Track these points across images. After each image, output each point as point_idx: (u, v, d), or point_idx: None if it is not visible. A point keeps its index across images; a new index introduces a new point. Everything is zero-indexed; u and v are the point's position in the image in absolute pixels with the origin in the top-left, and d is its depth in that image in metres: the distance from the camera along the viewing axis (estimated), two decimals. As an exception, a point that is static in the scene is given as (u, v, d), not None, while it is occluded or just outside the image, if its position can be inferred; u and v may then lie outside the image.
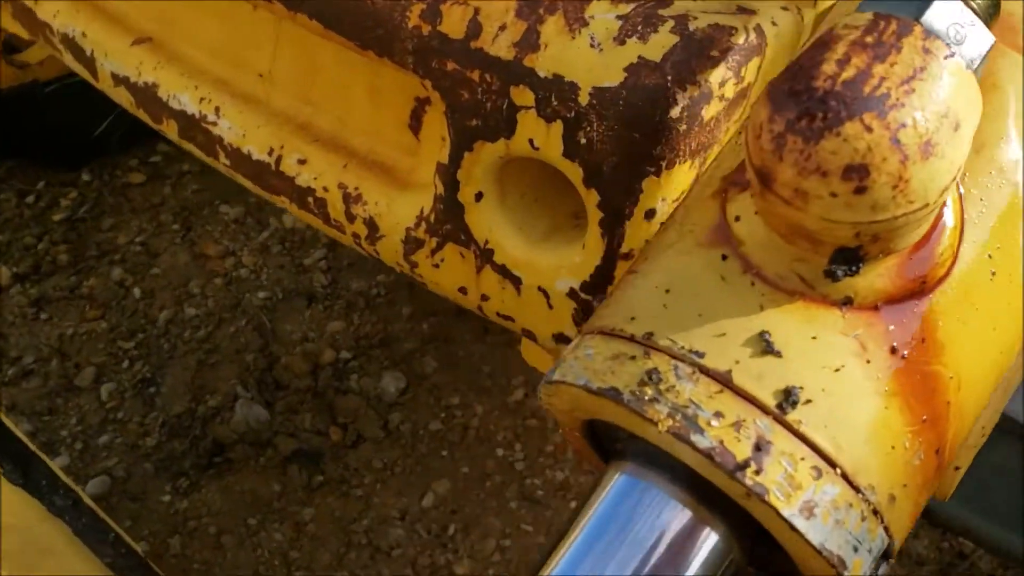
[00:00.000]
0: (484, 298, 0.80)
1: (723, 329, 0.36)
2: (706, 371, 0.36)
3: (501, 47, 0.67)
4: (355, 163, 0.83)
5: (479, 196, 0.75)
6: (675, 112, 0.63)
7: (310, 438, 1.80)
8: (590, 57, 0.65)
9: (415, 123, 0.80)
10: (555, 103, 0.66)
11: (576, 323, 0.76)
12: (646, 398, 0.36)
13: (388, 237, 0.82)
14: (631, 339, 0.38)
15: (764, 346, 0.36)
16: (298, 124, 0.86)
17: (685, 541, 0.37)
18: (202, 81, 0.90)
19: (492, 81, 0.68)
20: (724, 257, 0.39)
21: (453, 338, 1.97)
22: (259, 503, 1.72)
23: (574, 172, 0.68)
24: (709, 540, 0.38)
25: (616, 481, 0.40)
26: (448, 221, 0.77)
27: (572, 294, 0.74)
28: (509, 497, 1.74)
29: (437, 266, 0.81)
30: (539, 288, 0.76)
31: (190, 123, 0.91)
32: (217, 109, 0.89)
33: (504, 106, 0.68)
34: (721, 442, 0.35)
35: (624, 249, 0.70)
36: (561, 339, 0.78)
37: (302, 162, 0.85)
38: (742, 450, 0.36)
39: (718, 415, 0.36)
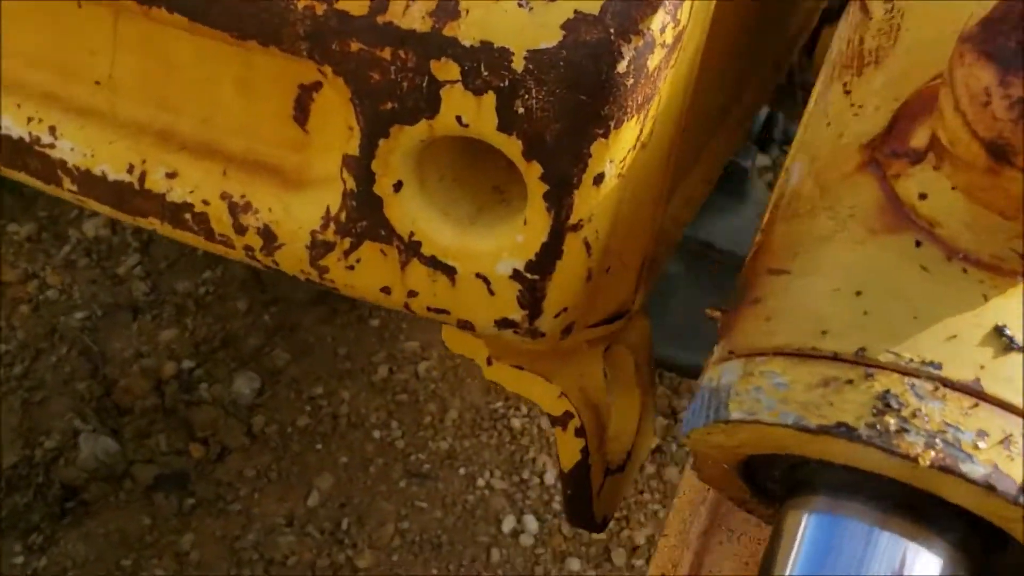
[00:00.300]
0: (412, 294, 0.73)
1: (951, 330, 0.31)
2: (950, 384, 0.31)
3: (415, 19, 0.59)
4: (235, 168, 0.74)
5: (398, 186, 0.67)
6: (622, 67, 0.58)
7: (170, 460, 1.67)
8: (520, 18, 0.58)
9: (301, 114, 0.71)
10: (485, 73, 0.60)
11: (522, 306, 0.70)
12: (891, 430, 0.31)
13: (289, 245, 0.74)
14: (835, 359, 0.33)
15: (1006, 342, 0.32)
16: (157, 133, 0.75)
17: (911, 572, 0.33)
18: (24, 98, 0.77)
19: (408, 58, 0.60)
20: (918, 244, 0.34)
21: (300, 325, 1.86)
22: (129, 541, 1.57)
23: (511, 146, 0.62)
24: (932, 563, 0.34)
25: (807, 523, 0.35)
26: (363, 218, 0.70)
27: (517, 276, 0.68)
28: (396, 478, 1.68)
29: (352, 268, 0.73)
30: (477, 275, 0.69)
31: (18, 149, 0.78)
32: (52, 129, 0.76)
33: (424, 84, 0.61)
34: (995, 466, 0.31)
35: (573, 220, 0.65)
36: (504, 324, 0.72)
37: (172, 175, 0.74)
38: (1017, 470, 0.31)
39: (982, 434, 0.31)
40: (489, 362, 0.83)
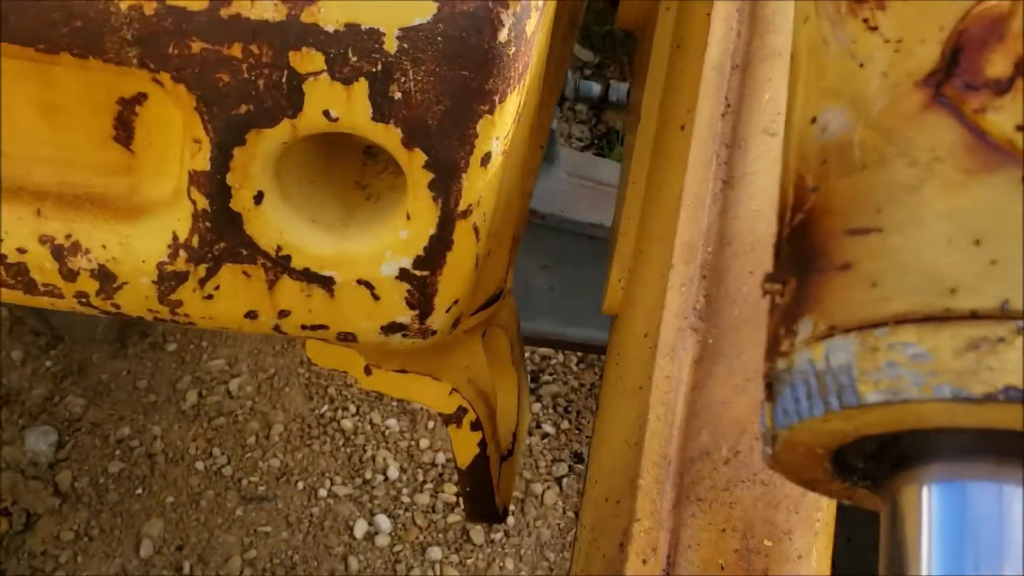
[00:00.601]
0: (283, 315, 0.66)
1: (1087, 267, 0.30)
2: None
3: (266, 7, 0.52)
4: (52, 205, 0.64)
5: (259, 197, 0.60)
6: (503, 35, 0.54)
7: (-31, 542, 1.48)
8: (387, -7, 0.53)
9: (123, 132, 0.62)
10: (353, 59, 0.54)
11: (411, 306, 0.65)
12: (1065, 385, 0.29)
13: (132, 283, 0.65)
14: (976, 317, 0.30)
15: None
16: (-56, 178, 0.63)
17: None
18: None
19: (262, 52, 0.53)
20: (1024, 179, 0.32)
21: (89, 364, 1.70)
22: (-61, 643, 1.39)
23: (389, 136, 0.57)
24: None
25: (932, 496, 0.33)
26: (220, 239, 0.62)
27: (404, 275, 0.63)
28: (231, 507, 1.57)
29: (211, 297, 0.65)
30: (359, 281, 0.64)
31: None
32: None
33: (284, 79, 0.54)
34: None
35: (462, 207, 0.61)
36: (392, 329, 0.67)
37: (-28, 226, 0.63)
38: None
39: None
40: (368, 371, 0.77)
